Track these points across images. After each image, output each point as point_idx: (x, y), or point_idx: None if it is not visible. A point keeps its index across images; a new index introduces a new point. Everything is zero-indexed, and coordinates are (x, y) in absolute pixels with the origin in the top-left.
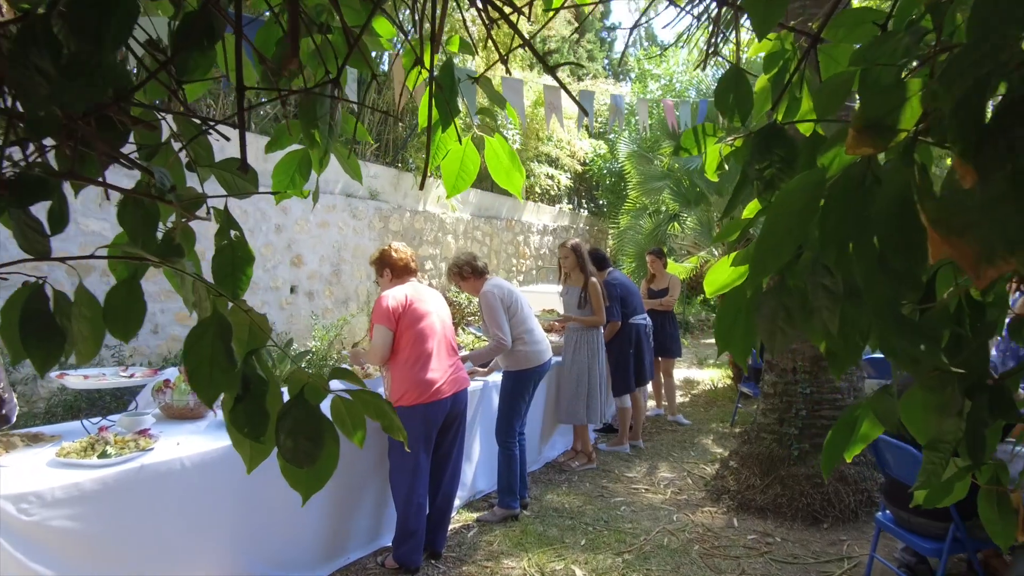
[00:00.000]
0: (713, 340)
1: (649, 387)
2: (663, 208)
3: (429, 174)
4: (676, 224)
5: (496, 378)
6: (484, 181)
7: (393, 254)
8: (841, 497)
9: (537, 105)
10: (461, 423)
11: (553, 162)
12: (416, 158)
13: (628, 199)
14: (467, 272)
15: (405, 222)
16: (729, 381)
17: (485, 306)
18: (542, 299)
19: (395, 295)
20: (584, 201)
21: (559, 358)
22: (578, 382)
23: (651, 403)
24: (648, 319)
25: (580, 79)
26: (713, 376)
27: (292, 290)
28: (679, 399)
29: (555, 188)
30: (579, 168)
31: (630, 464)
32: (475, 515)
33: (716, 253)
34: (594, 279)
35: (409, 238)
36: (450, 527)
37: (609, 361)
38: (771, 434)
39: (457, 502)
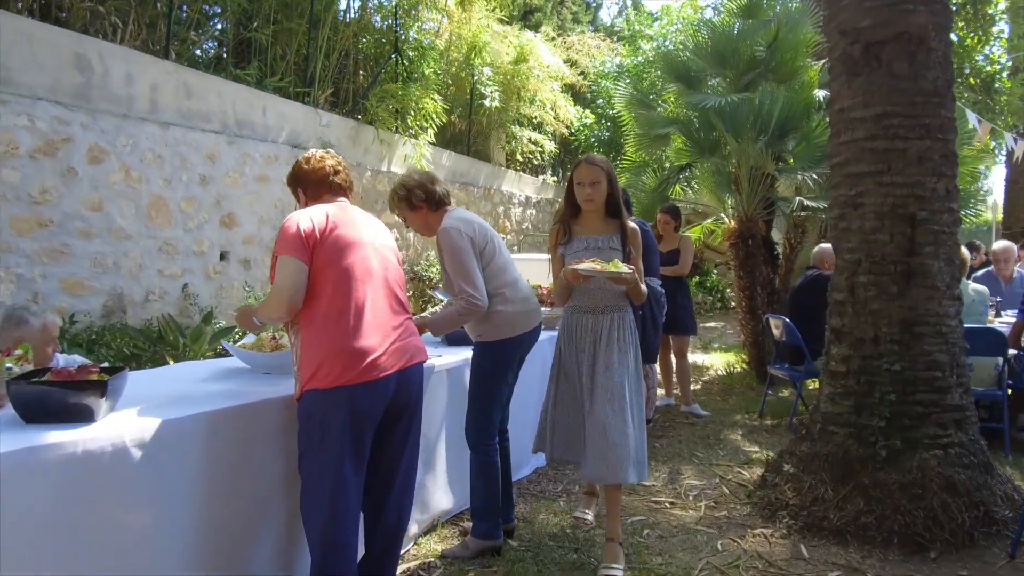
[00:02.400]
0: (715, 323)
1: (657, 371)
2: (667, 164)
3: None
4: (678, 187)
5: (465, 355)
6: (459, 144)
7: (305, 164)
8: (951, 513)
9: (518, 62)
10: (413, 416)
11: (537, 127)
12: (379, 109)
13: (625, 155)
14: (418, 198)
15: (365, 182)
16: (746, 366)
17: (447, 248)
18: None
19: (311, 214)
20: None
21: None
22: None
23: (659, 390)
24: (660, 286)
25: (566, 34)
26: (723, 360)
27: (223, 256)
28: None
29: (538, 156)
30: (565, 131)
31: None
32: (439, 548)
33: (726, 218)
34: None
35: (370, 202)
36: (401, 568)
37: None
38: (845, 427)
39: (413, 529)
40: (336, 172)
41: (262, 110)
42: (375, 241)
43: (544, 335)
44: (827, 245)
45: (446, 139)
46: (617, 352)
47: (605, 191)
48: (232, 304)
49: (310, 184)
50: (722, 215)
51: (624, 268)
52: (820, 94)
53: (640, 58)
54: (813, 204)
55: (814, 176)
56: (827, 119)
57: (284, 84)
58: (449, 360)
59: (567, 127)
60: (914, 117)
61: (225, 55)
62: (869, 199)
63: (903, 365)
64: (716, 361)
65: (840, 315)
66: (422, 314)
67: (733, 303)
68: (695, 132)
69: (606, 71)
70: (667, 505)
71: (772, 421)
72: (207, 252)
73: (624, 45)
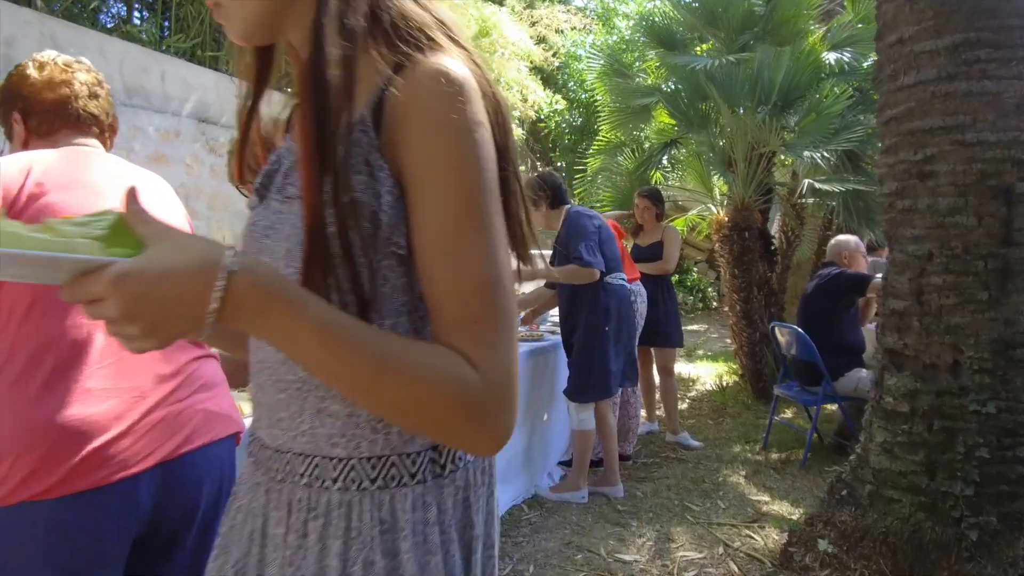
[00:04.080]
0: (697, 326)
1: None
2: (647, 144)
3: None
4: (658, 173)
5: None
6: None
7: (27, 73)
8: None
9: (480, 37)
10: (206, 534)
11: None
12: None
13: (599, 135)
14: None
15: None
16: (738, 379)
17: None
18: None
19: (12, 162)
20: (539, 163)
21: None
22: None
23: (641, 412)
24: (637, 285)
25: (533, 7)
26: (712, 371)
27: None
28: None
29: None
30: (532, 115)
31: (621, 526)
32: None
33: (715, 208)
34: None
35: None
36: None
37: (575, 347)
38: (910, 493)
39: None
40: (92, 95)
41: (160, 75)
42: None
43: None
44: (846, 237)
45: None
46: None
47: None
48: None
49: (34, 108)
50: (709, 204)
51: None
52: (831, 57)
53: (615, 36)
54: (826, 187)
55: (824, 154)
56: (837, 89)
57: (191, 46)
58: None
59: (536, 112)
60: (1010, 48)
61: (125, 11)
62: (944, 165)
63: (999, 405)
64: (703, 372)
65: (899, 331)
66: None
67: (715, 303)
68: (681, 102)
69: (577, 52)
70: None
71: (779, 454)
72: None
73: (597, 24)
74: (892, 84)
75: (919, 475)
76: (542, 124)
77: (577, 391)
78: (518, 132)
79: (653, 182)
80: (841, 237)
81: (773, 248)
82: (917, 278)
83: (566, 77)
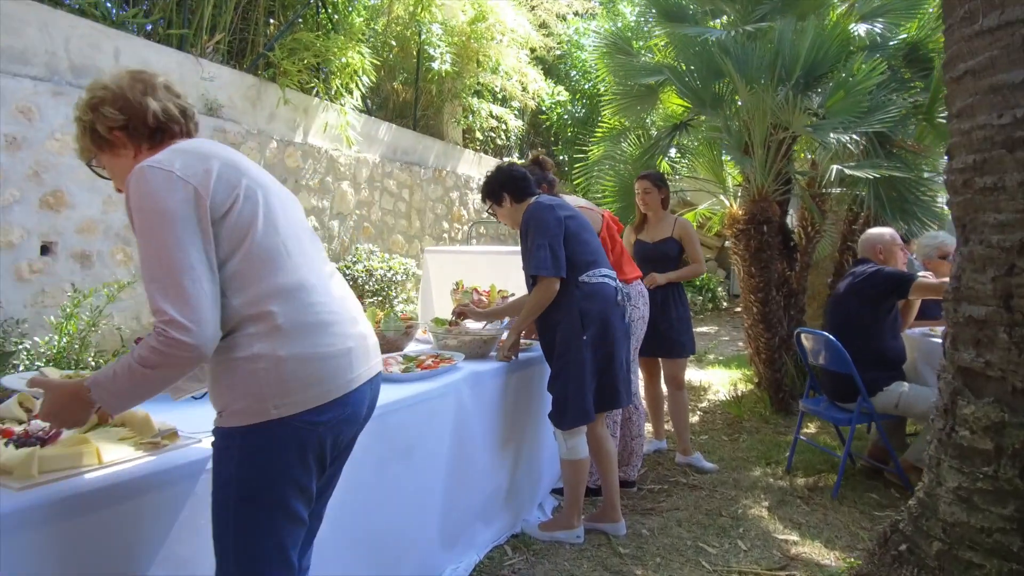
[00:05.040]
0: (706, 328)
1: (643, 406)
2: (653, 131)
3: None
4: (664, 163)
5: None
6: (404, 116)
7: None
8: None
9: (476, 21)
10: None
11: (503, 101)
12: (288, 63)
13: (602, 121)
14: None
15: (270, 155)
16: (753, 387)
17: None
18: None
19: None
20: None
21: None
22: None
23: (647, 429)
24: (638, 284)
25: None
26: (724, 378)
27: (45, 249)
28: None
29: (502, 135)
30: (532, 106)
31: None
32: None
33: (727, 201)
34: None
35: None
36: None
37: (552, 361)
38: (998, 557)
39: None
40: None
41: (113, 53)
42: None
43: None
44: (880, 229)
45: (389, 111)
46: None
47: None
48: (55, 312)
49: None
50: (721, 196)
51: None
52: (860, 29)
53: (619, 23)
54: (859, 173)
55: (853, 137)
56: (866, 65)
57: (150, 21)
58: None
59: (536, 101)
60: None
61: None
62: None
63: None
64: (714, 379)
65: (979, 345)
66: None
67: (725, 303)
68: (693, 80)
69: (580, 41)
70: None
71: (805, 479)
72: (18, 244)
73: (601, 11)
74: (967, 28)
75: (1008, 534)
76: (543, 116)
77: (555, 415)
78: (518, 124)
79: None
80: (875, 230)
81: (792, 244)
82: (1004, 277)
83: (568, 67)
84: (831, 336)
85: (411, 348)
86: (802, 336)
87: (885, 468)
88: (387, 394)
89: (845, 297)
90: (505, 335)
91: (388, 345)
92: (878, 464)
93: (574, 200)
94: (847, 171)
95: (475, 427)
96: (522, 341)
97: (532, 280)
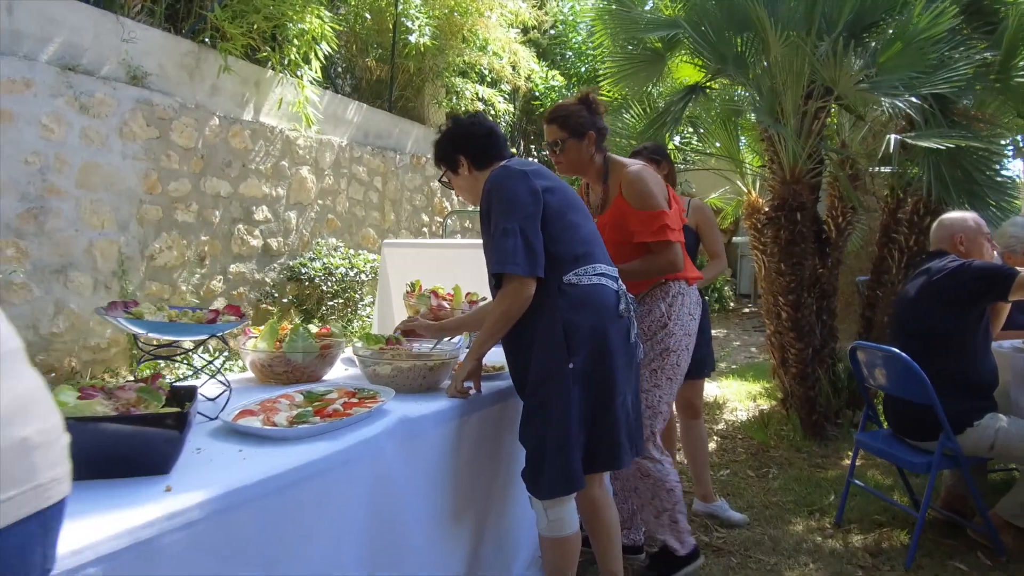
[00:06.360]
0: (716, 331)
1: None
2: (660, 101)
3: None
4: (671, 143)
5: None
6: (380, 97)
7: None
8: None
9: None
10: None
11: (493, 83)
12: (232, 27)
13: (600, 95)
14: None
15: (209, 133)
16: (777, 403)
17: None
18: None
19: None
20: (533, 146)
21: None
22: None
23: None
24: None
25: None
26: (742, 392)
27: None
28: None
29: (490, 118)
30: (524, 88)
31: None
32: None
33: (744, 187)
34: None
35: (219, 165)
36: None
37: (525, 397)
38: None
39: None
40: None
41: (6, 8)
42: None
43: None
44: (959, 213)
45: (364, 92)
46: None
47: None
48: None
49: None
50: (738, 182)
51: None
52: None
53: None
54: (925, 143)
55: (913, 100)
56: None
57: None
58: None
59: (528, 84)
60: None
61: None
62: None
63: None
64: (730, 393)
65: None
66: None
67: (732, 303)
68: (711, 33)
69: (575, 21)
70: None
71: (863, 537)
72: None
73: None
74: None
75: None
76: (536, 102)
77: (528, 476)
78: (508, 108)
79: (668, 142)
80: (954, 213)
81: (824, 236)
82: None
83: (563, 48)
84: (904, 354)
85: (337, 374)
86: (857, 352)
87: (967, 524)
88: (266, 461)
89: (919, 301)
90: (462, 357)
91: (296, 373)
92: (959, 519)
93: None
94: (908, 141)
95: (408, 499)
96: (486, 364)
97: (496, 281)
